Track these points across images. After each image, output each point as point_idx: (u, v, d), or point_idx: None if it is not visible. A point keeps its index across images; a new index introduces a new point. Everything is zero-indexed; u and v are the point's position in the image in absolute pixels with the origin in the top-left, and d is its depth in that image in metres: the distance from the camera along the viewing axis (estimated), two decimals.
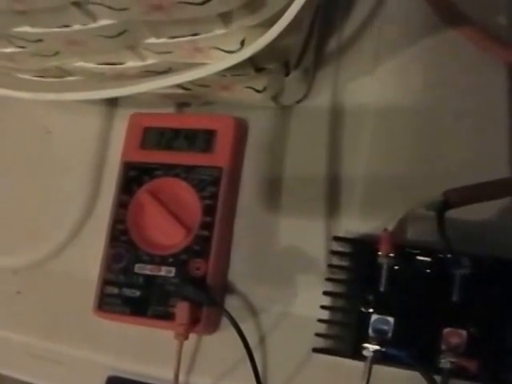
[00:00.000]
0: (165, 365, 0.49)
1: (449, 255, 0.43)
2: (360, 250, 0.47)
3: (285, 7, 0.39)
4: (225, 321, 0.49)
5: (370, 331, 0.45)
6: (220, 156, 0.52)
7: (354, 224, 0.49)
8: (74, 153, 0.59)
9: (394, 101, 0.52)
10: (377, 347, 0.44)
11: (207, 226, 0.50)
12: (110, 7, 0.38)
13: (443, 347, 0.43)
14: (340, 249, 0.48)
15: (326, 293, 0.47)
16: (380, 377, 0.44)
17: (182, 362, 0.48)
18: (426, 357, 0.43)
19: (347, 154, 0.52)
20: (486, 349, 0.43)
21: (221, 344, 0.50)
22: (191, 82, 0.46)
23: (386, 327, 0.45)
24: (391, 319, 0.45)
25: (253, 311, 0.50)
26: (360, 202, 0.50)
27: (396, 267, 0.45)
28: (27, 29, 0.42)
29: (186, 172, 0.52)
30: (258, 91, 0.50)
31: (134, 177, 0.53)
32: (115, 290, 0.50)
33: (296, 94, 0.53)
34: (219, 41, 0.43)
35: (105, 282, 0.51)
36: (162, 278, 0.50)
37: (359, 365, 0.44)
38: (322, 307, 0.47)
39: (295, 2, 0.38)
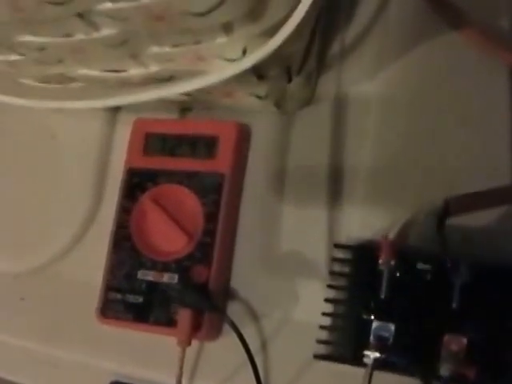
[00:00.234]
0: (167, 370, 0.49)
1: (448, 263, 0.44)
2: (361, 257, 0.47)
3: (287, 16, 0.39)
4: (227, 327, 0.49)
5: (371, 338, 0.45)
6: (222, 162, 0.52)
7: (356, 230, 0.49)
8: (78, 158, 0.59)
9: (396, 105, 0.52)
10: (377, 354, 0.44)
11: (209, 232, 0.50)
12: (112, 17, 0.39)
13: (443, 354, 0.43)
14: (341, 255, 0.48)
15: (327, 300, 0.47)
16: (381, 383, 0.44)
17: (185, 368, 0.48)
18: (427, 363, 0.43)
19: (350, 159, 0.52)
20: (486, 356, 0.43)
21: (223, 350, 0.51)
22: (193, 89, 0.47)
23: (386, 334, 0.45)
24: (392, 326, 0.45)
25: (254, 317, 0.50)
26: (362, 208, 0.50)
27: (397, 274, 0.45)
28: (30, 38, 0.43)
29: (188, 178, 0.52)
30: (260, 98, 0.50)
31: (137, 183, 0.53)
32: (118, 296, 0.51)
33: (299, 99, 0.53)
34: (221, 49, 0.43)
35: (108, 288, 0.51)
36: (164, 285, 0.50)
37: (360, 371, 0.44)
38: (324, 314, 0.47)
39: (297, 11, 0.38)
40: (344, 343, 0.46)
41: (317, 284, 0.49)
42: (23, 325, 0.56)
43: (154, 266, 0.51)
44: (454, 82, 0.50)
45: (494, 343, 0.43)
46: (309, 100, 0.54)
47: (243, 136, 0.54)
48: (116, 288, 0.51)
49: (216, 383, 0.50)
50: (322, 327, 0.47)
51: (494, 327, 0.43)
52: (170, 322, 0.49)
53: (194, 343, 0.49)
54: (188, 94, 0.50)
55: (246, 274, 0.52)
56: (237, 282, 0.52)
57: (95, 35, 0.41)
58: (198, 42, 0.42)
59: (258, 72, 0.46)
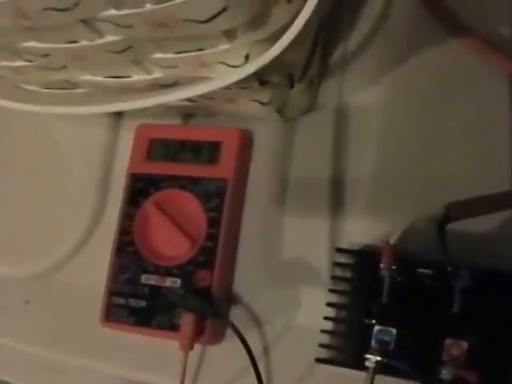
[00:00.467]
0: (170, 375, 0.49)
1: (449, 268, 0.44)
2: (362, 262, 0.47)
3: (289, 23, 0.39)
4: (229, 331, 0.50)
5: (373, 342, 0.45)
6: (225, 168, 0.52)
7: (357, 236, 0.50)
8: (81, 163, 0.60)
9: (398, 112, 0.52)
10: (379, 358, 0.44)
11: (212, 237, 0.50)
12: (116, 24, 0.39)
13: (444, 358, 0.43)
14: (343, 260, 0.48)
15: (329, 304, 0.47)
16: None
17: (187, 372, 0.49)
18: (428, 368, 0.43)
19: (352, 165, 0.52)
20: (487, 360, 0.43)
21: (225, 354, 0.51)
22: (196, 95, 0.47)
23: (388, 338, 0.45)
24: (393, 330, 0.45)
25: (257, 322, 0.51)
26: (365, 215, 0.50)
27: (398, 279, 0.45)
28: (34, 44, 0.43)
29: (191, 184, 0.52)
30: (262, 104, 0.50)
31: (140, 188, 0.54)
32: (121, 301, 0.51)
33: (301, 106, 0.53)
34: (224, 56, 0.43)
35: (111, 293, 0.51)
36: (167, 289, 0.50)
37: (362, 375, 0.44)
38: (326, 318, 0.47)
39: (299, 18, 0.39)
40: (346, 347, 0.47)
41: (318, 289, 0.49)
42: (27, 329, 0.57)
43: (157, 270, 0.51)
44: (455, 90, 0.51)
45: (494, 347, 0.43)
46: (310, 107, 0.54)
47: (246, 142, 0.54)
48: (119, 292, 0.51)
49: None
50: (324, 331, 0.47)
51: (494, 332, 0.43)
52: (172, 327, 0.49)
53: (197, 347, 0.49)
54: (191, 100, 0.50)
55: (248, 279, 0.52)
56: (239, 286, 0.52)
57: (99, 41, 0.42)
58: (201, 49, 0.43)
59: (260, 78, 0.46)
